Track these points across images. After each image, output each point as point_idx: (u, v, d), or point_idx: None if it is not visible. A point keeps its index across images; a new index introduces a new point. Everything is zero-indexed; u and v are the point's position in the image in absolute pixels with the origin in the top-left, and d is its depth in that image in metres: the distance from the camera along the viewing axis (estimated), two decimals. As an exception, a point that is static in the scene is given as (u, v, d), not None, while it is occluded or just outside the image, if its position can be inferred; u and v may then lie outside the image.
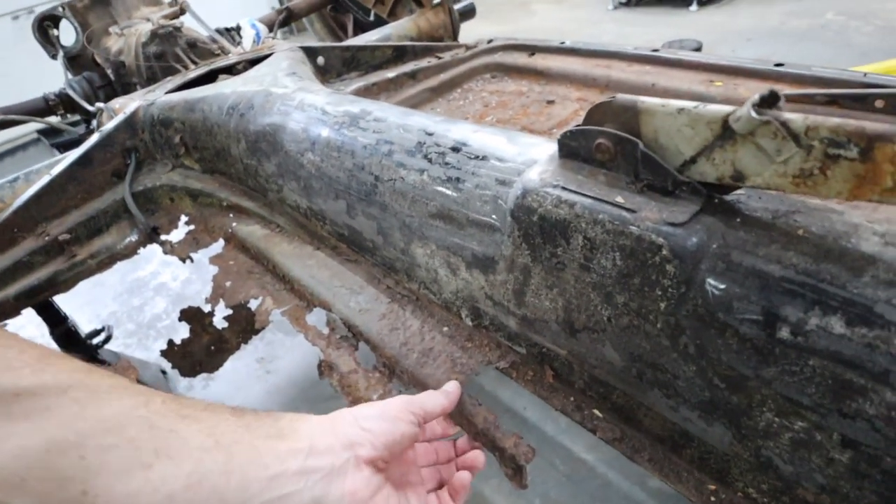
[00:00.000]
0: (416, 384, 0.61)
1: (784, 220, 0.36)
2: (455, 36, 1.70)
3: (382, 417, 0.45)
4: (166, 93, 1.05)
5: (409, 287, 0.69)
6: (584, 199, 0.42)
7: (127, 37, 1.32)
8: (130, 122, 1.01)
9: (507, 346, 0.57)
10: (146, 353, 1.57)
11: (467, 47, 1.50)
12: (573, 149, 0.45)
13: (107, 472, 0.30)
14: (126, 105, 1.05)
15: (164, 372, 1.51)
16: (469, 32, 1.66)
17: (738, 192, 0.40)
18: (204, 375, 1.51)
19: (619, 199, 0.41)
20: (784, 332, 0.34)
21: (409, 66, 1.40)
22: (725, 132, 0.35)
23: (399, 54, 1.45)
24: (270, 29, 1.72)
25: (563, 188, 0.44)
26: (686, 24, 3.63)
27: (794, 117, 0.32)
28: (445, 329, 0.63)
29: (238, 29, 1.70)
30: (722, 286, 0.36)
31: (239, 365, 1.52)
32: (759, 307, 0.34)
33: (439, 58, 1.45)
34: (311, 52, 1.26)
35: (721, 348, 0.37)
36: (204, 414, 0.36)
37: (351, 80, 1.35)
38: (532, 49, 1.44)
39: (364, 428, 0.43)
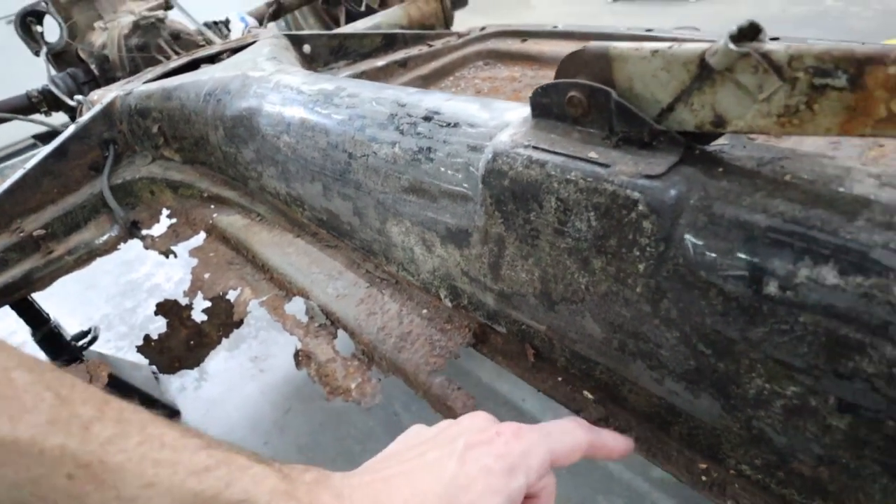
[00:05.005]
0: (395, 370, 0.58)
1: (770, 167, 0.33)
2: (447, 25, 1.68)
3: None
4: (144, 82, 1.03)
5: (387, 270, 0.66)
6: (556, 158, 0.39)
7: (110, 30, 1.30)
8: (107, 113, 0.98)
9: (487, 326, 0.54)
10: (138, 356, 1.55)
11: (459, 35, 1.48)
12: (546, 106, 0.42)
13: None
14: (104, 96, 1.02)
15: (155, 375, 1.49)
16: (467, 27, 1.64)
17: (722, 142, 0.37)
18: (195, 376, 1.49)
19: (593, 155, 0.38)
20: (772, 288, 0.30)
21: (399, 55, 1.37)
22: (703, 72, 0.32)
23: (389, 43, 1.43)
24: (261, 23, 1.69)
25: (535, 147, 0.41)
26: (686, 15, 3.59)
27: (776, 47, 0.29)
28: (424, 311, 0.60)
29: (227, 22, 1.68)
30: (703, 241, 0.33)
31: (232, 364, 1.50)
32: (743, 261, 0.31)
33: (430, 46, 1.42)
34: (296, 40, 1.23)
35: (705, 310, 0.33)
36: None
37: (339, 69, 1.32)
38: (524, 35, 1.41)
39: None
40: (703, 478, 0.40)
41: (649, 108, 0.36)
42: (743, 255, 0.31)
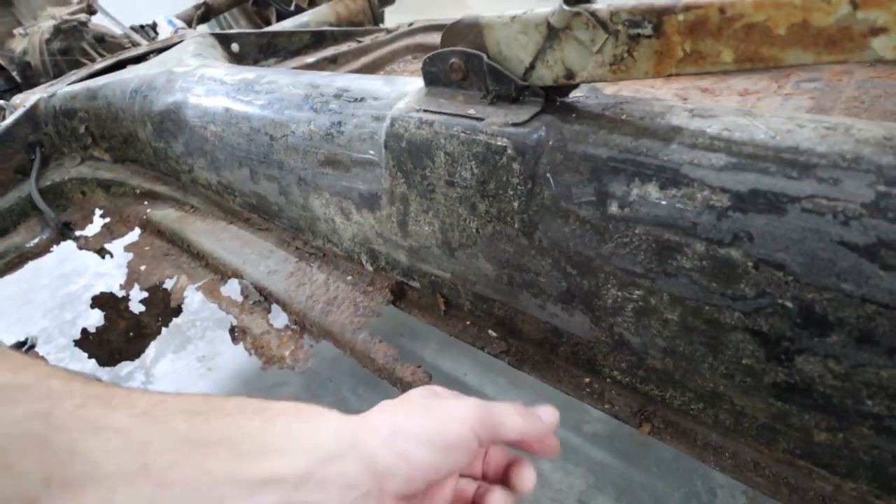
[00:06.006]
0: (324, 333, 0.62)
1: (612, 110, 0.39)
2: (376, 22, 1.72)
3: (433, 444, 0.31)
4: (69, 84, 1.03)
5: (315, 244, 0.70)
6: (441, 117, 0.44)
7: (31, 35, 1.28)
8: (31, 116, 0.98)
9: (403, 283, 0.59)
10: (80, 366, 1.52)
11: (388, 31, 1.52)
12: (435, 75, 0.47)
13: None
14: (27, 99, 1.02)
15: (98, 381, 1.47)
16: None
17: (578, 93, 0.43)
18: (142, 379, 1.48)
19: (471, 111, 0.43)
20: (614, 208, 0.36)
21: (329, 51, 1.40)
22: (550, 32, 0.38)
23: (318, 40, 1.46)
24: (190, 25, 1.69)
25: (425, 110, 0.46)
26: (612, 9, 3.73)
27: (600, 7, 0.35)
28: (349, 278, 0.65)
29: (154, 26, 1.67)
30: (561, 175, 0.38)
31: (179, 365, 1.50)
32: (591, 189, 0.37)
33: (359, 42, 1.46)
34: (224, 39, 1.25)
35: (568, 235, 0.39)
36: (139, 423, 0.26)
37: (269, 67, 1.34)
38: (449, 28, 1.46)
39: (402, 453, 0.30)
40: (587, 390, 0.45)
41: (516, 68, 0.41)
42: (590, 184, 0.37)
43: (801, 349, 0.32)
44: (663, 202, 0.34)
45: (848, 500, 0.36)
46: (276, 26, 1.51)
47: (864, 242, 0.28)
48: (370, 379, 0.60)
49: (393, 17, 1.82)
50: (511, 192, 0.41)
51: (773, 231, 0.31)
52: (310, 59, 1.35)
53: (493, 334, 0.53)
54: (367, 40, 1.46)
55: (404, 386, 0.54)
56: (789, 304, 0.31)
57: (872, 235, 0.28)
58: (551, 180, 0.39)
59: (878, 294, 0.28)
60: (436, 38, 1.43)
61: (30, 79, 1.32)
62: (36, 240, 0.97)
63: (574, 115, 0.40)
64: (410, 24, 1.54)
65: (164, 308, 0.88)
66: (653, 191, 0.35)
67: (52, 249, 0.99)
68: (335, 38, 1.49)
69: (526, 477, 0.35)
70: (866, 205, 0.28)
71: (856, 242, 0.28)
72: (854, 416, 0.32)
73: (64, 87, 1.01)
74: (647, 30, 0.33)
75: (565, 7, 0.35)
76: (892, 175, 0.28)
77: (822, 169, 0.30)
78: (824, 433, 0.34)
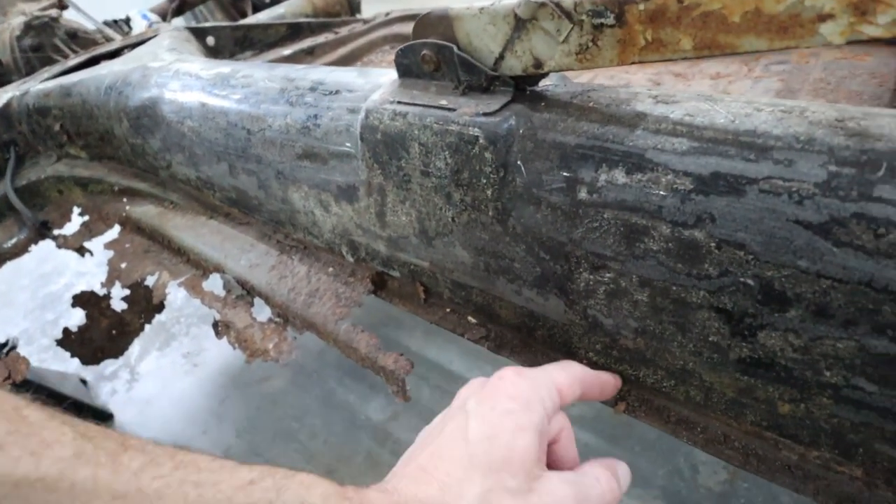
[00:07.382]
0: (306, 325, 0.63)
1: (580, 98, 0.40)
2: (353, 12, 1.71)
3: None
4: (42, 81, 1.02)
5: (296, 237, 0.71)
6: (415, 108, 0.45)
7: (0, 32, 1.26)
8: (4, 115, 0.97)
9: (384, 273, 0.59)
10: (63, 366, 1.52)
11: (365, 21, 1.51)
12: (407, 66, 0.48)
13: None
14: (-1, 98, 1.01)
15: (84, 381, 1.46)
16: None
17: (548, 82, 0.44)
18: (127, 378, 1.48)
19: (443, 102, 0.44)
20: (583, 193, 0.37)
21: (305, 43, 1.39)
22: (518, 23, 0.39)
23: (294, 32, 1.45)
24: (164, 19, 1.67)
25: (399, 102, 0.46)
26: None
27: (565, -4, 0.36)
28: (331, 269, 0.65)
29: (128, 20, 1.65)
30: (531, 163, 0.39)
31: (164, 362, 1.50)
32: (561, 175, 0.38)
33: (336, 33, 1.45)
34: (199, 33, 1.24)
35: (540, 221, 0.40)
36: None
37: (245, 60, 1.33)
38: (427, 17, 1.46)
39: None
40: (565, 371, 0.47)
41: (486, 59, 0.42)
42: (560, 171, 0.38)
43: (762, 325, 0.33)
44: (630, 187, 0.35)
45: (813, 468, 0.38)
46: (252, 19, 1.50)
47: (817, 221, 0.29)
48: (355, 370, 0.61)
49: (370, 7, 1.81)
50: (484, 181, 0.42)
51: (733, 212, 0.32)
52: (286, 51, 1.34)
53: (473, 321, 0.54)
54: (344, 31, 1.46)
55: (387, 374, 0.55)
56: (750, 282, 0.32)
57: (825, 214, 0.29)
58: (522, 168, 0.40)
59: (832, 270, 0.30)
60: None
61: (1, 76, 1.30)
62: (14, 240, 0.96)
63: (543, 104, 0.41)
64: (387, 14, 1.53)
65: (146, 305, 0.88)
66: (619, 176, 0.36)
67: (30, 249, 0.98)
68: (312, 30, 1.48)
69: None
70: (819, 184, 0.29)
71: (810, 221, 0.30)
72: (814, 387, 0.34)
73: (37, 85, 1.00)
74: (610, 19, 0.34)
75: (531, -2, 0.36)
76: (842, 155, 0.29)
77: (778, 151, 0.31)
78: (788, 405, 0.36)
